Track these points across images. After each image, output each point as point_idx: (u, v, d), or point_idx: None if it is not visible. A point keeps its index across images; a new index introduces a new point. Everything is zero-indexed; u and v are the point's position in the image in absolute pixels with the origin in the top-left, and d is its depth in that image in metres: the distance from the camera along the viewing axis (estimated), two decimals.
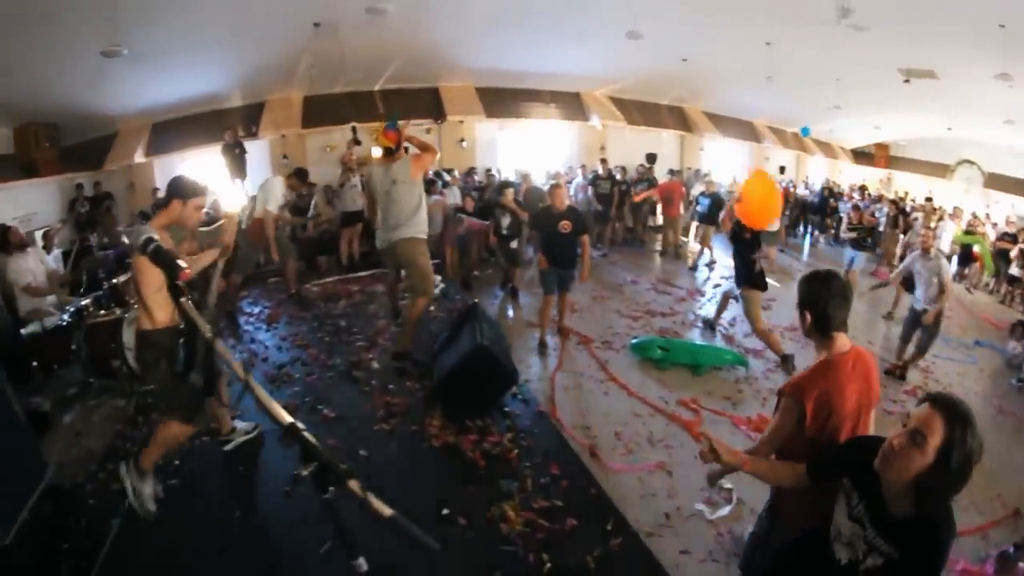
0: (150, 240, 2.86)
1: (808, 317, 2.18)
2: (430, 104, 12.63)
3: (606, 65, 12.19)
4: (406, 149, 5.22)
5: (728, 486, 3.60)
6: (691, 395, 5.15)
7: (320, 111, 12.00)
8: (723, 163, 15.82)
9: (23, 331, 5.52)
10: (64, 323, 5.34)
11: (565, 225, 5.90)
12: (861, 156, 19.37)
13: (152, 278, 3.01)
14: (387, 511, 1.33)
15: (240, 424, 4.07)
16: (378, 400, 4.67)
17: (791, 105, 14.82)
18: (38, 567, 2.91)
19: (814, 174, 17.93)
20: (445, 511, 3.27)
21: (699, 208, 10.85)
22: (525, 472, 3.64)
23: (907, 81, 10.94)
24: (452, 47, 11.00)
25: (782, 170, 15.97)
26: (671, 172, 12.13)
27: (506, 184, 8.85)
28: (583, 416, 4.74)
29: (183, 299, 2.95)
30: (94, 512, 3.47)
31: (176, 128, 11.22)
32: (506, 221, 8.07)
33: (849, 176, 18.61)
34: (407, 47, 10.41)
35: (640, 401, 5.03)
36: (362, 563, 1.52)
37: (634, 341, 6.21)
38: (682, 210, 11.50)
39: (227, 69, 10.26)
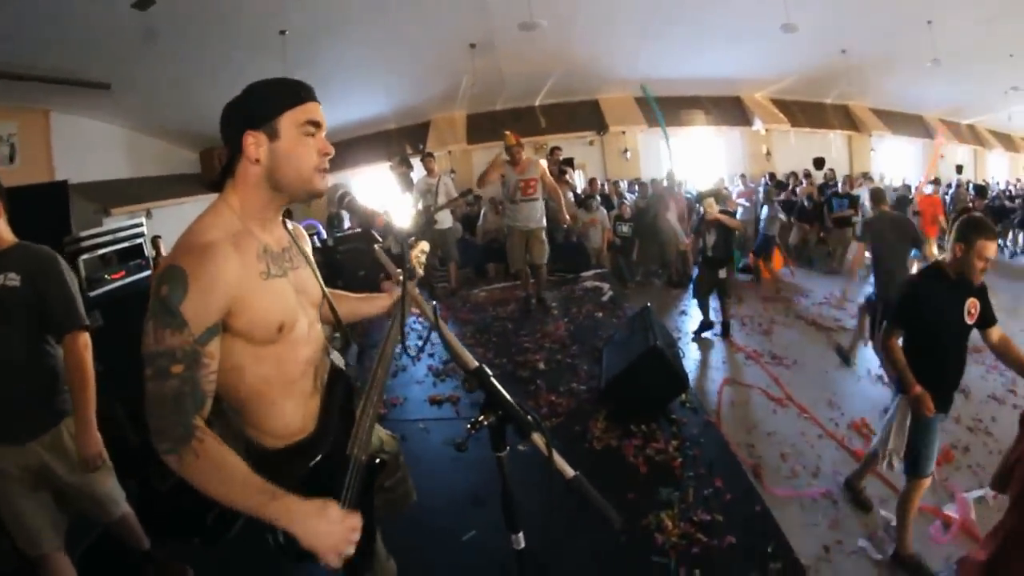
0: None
1: None
2: (591, 116, 12.84)
3: (764, 64, 11.76)
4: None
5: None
6: (863, 417, 4.69)
7: (484, 128, 12.50)
8: (895, 164, 14.67)
9: None
10: None
11: (973, 307, 3.01)
12: None
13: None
14: (571, 471, 1.27)
15: None
16: (543, 399, 4.71)
17: (963, 92, 13.41)
18: (187, 513, 3.19)
19: (995, 171, 16.10)
20: None
21: None
22: (688, 482, 3.49)
23: None
24: (608, 58, 11.04)
25: (959, 169, 14.38)
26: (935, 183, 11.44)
27: (710, 192, 7.55)
28: (749, 433, 4.53)
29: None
30: None
31: (346, 148, 12.19)
32: (711, 239, 6.57)
33: None
34: (564, 61, 10.61)
35: (811, 422, 4.69)
36: (520, 539, 1.44)
37: None
38: None
39: (391, 93, 11.05)
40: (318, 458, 1.57)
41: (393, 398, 5.01)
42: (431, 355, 5.88)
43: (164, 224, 9.06)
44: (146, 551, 2.88)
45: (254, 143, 1.47)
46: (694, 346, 6.39)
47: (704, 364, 5.90)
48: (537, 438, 1.27)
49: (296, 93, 1.54)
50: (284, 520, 1.33)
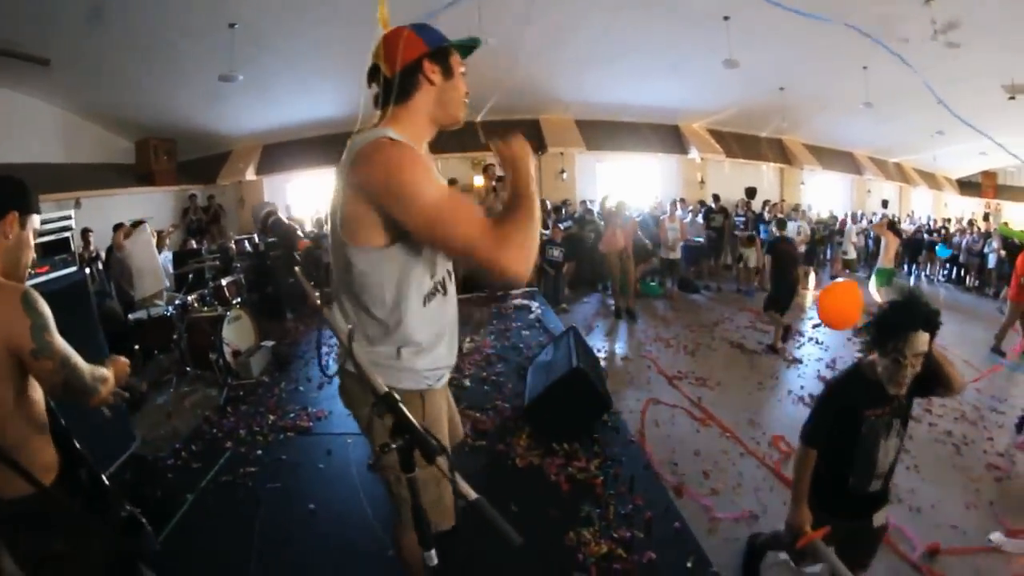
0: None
1: None
2: (530, 136, 12.76)
3: (704, 96, 12.16)
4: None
5: None
6: (782, 434, 4.78)
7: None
8: (824, 197, 15.33)
9: (130, 316, 6.09)
10: (168, 314, 5.85)
11: None
12: (967, 187, 18.16)
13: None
14: (473, 494, 1.29)
15: None
16: (466, 416, 4.67)
17: (893, 132, 14.23)
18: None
19: (918, 207, 17.03)
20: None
21: None
22: (609, 500, 3.54)
23: (1012, 98, 10.44)
24: (552, 80, 11.22)
25: (885, 204, 15.19)
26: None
27: None
28: (672, 452, 4.54)
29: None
30: (171, 485, 3.86)
31: (286, 150, 12.12)
32: None
33: (955, 209, 17.40)
34: (508, 79, 10.64)
35: (733, 440, 4.75)
36: (433, 556, 1.43)
37: None
38: None
39: (335, 98, 10.92)
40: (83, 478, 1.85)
41: (319, 411, 4.96)
42: None
43: (93, 215, 8.73)
44: None
45: (11, 224, 1.71)
46: (620, 366, 6.49)
47: (629, 384, 5.96)
48: (441, 462, 1.29)
49: (37, 205, 1.84)
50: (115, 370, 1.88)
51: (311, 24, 8.26)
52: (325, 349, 2.01)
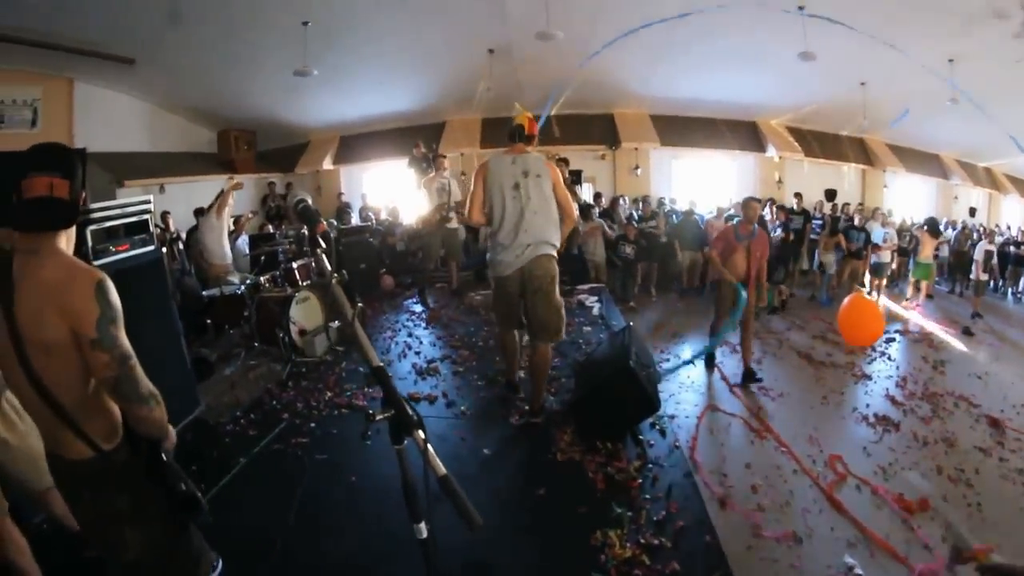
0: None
1: None
2: (605, 130, 12.81)
3: (782, 92, 11.68)
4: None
5: (859, 571, 3.16)
6: (840, 454, 4.56)
7: (498, 132, 12.45)
8: (908, 202, 14.52)
9: (204, 293, 6.58)
10: (240, 292, 6.25)
11: None
12: None
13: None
14: (442, 470, 1.33)
15: None
16: (517, 408, 4.72)
17: (982, 134, 13.07)
18: None
19: (1010, 217, 15.85)
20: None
21: None
22: (643, 504, 3.47)
23: None
24: (625, 73, 11.07)
25: (973, 212, 14.15)
26: None
27: None
28: (723, 462, 4.41)
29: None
30: (227, 448, 4.17)
31: (363, 141, 12.49)
32: None
33: None
34: (580, 73, 10.59)
35: (787, 456, 4.56)
36: (422, 529, 1.47)
37: None
38: None
39: (409, 91, 11.18)
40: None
41: (373, 392, 5.08)
42: (417, 353, 6.01)
43: (176, 200, 9.23)
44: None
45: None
46: (682, 368, 6.37)
47: (688, 388, 5.87)
48: (418, 435, 1.37)
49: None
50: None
51: (382, 22, 8.48)
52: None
